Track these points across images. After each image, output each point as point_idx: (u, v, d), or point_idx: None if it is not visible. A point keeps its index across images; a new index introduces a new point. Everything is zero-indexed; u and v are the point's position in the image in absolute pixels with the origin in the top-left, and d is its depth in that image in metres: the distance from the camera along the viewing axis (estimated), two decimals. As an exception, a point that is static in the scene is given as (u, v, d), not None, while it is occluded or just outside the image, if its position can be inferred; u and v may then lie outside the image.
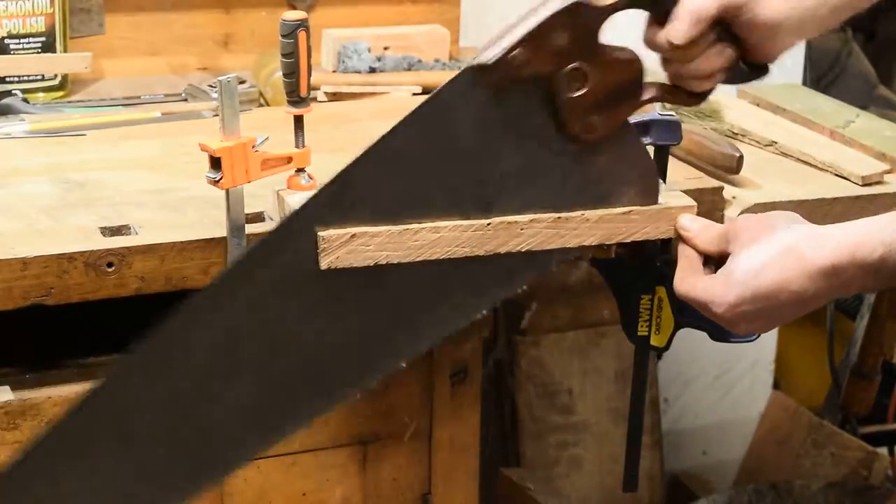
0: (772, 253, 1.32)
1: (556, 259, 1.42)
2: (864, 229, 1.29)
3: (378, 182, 1.34)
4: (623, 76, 1.37)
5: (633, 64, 1.37)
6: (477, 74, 1.34)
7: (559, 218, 1.40)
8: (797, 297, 1.31)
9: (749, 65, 1.41)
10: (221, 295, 1.31)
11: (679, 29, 1.35)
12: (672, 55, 1.38)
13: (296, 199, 1.45)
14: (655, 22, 1.38)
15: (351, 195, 1.33)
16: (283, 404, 1.36)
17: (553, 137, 1.37)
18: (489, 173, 1.37)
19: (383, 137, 1.33)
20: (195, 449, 1.34)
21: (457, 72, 1.35)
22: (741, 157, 1.70)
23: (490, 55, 1.33)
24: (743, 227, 1.37)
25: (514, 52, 1.33)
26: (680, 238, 1.42)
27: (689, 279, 1.39)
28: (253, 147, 1.43)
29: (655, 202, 1.42)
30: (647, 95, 1.39)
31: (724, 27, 1.37)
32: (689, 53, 1.37)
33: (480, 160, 1.37)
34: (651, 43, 1.38)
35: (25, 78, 1.96)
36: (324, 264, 1.35)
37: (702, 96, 1.42)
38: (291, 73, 1.45)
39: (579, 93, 1.35)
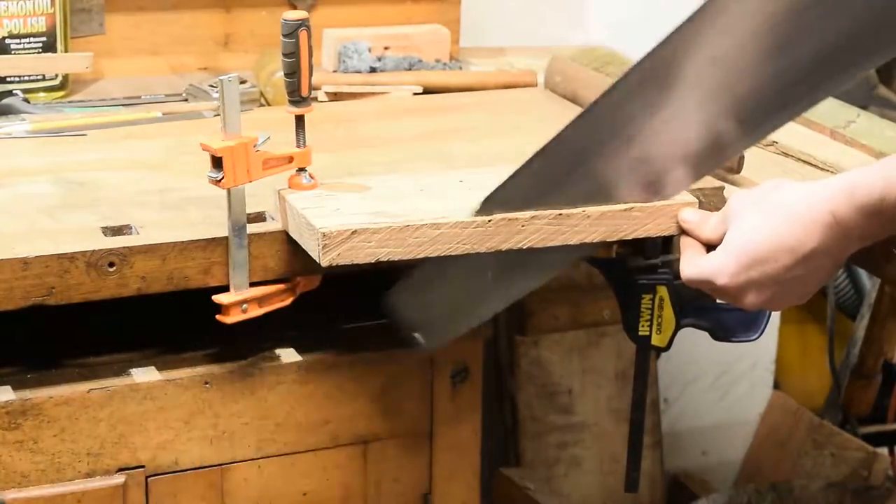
0: (764, 213, 1.32)
1: None
2: (860, 172, 1.28)
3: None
4: None
5: None
6: None
7: (560, 215, 1.41)
8: (797, 253, 1.29)
9: None
10: None
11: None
12: None
13: (297, 199, 1.45)
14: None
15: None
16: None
17: None
18: None
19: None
20: None
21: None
22: (742, 156, 1.69)
23: None
24: (737, 203, 1.37)
25: None
26: (682, 231, 1.43)
27: (693, 261, 1.39)
28: (254, 147, 1.43)
29: None
30: None
31: None
32: None
33: None
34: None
35: (26, 78, 1.96)
36: (324, 262, 1.35)
37: None
38: (292, 72, 1.45)
39: None
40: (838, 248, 1.30)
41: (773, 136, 1.86)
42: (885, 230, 1.29)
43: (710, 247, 1.41)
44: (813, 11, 1.33)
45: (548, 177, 1.41)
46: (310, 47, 1.45)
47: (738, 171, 1.69)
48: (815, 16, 1.33)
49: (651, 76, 1.37)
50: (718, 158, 1.48)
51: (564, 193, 1.42)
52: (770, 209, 1.32)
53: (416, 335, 1.57)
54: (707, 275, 1.36)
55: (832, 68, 1.36)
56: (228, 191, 1.43)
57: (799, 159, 1.82)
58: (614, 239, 1.44)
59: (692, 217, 1.43)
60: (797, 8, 1.33)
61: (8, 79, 1.94)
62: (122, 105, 1.92)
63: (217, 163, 1.41)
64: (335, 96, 1.99)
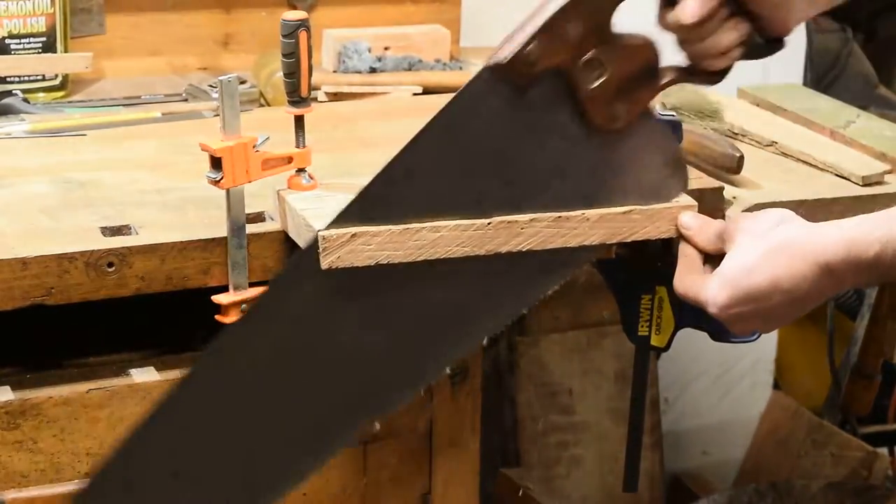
0: (763, 252, 1.32)
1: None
2: (860, 227, 1.29)
3: (403, 193, 1.35)
4: (639, 61, 1.36)
5: (647, 49, 1.36)
6: (494, 74, 1.33)
7: (559, 217, 1.41)
8: (790, 296, 1.31)
9: (766, 39, 1.40)
10: (258, 319, 1.34)
11: (688, 8, 1.34)
12: (685, 35, 1.37)
13: (296, 199, 1.45)
14: (667, 4, 1.37)
15: (375, 208, 1.34)
16: (330, 423, 1.38)
17: (577, 130, 1.37)
18: (516, 173, 1.37)
19: (406, 148, 1.34)
20: (245, 476, 1.36)
21: (474, 73, 1.34)
22: (741, 157, 1.70)
23: (505, 53, 1.33)
24: (738, 227, 1.37)
25: (528, 48, 1.33)
26: (680, 236, 1.43)
27: (688, 278, 1.39)
28: (254, 147, 1.43)
29: (685, 187, 1.42)
30: (665, 79, 1.38)
31: (736, 2, 1.36)
32: (702, 31, 1.36)
33: (506, 160, 1.37)
34: (664, 25, 1.37)
35: (26, 78, 1.96)
36: (324, 264, 1.35)
37: (721, 74, 1.41)
38: (292, 73, 1.45)
39: (598, 82, 1.35)
40: (831, 292, 1.32)
41: (774, 136, 1.86)
42: (879, 282, 1.32)
43: (706, 256, 1.41)
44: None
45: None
46: (309, 48, 1.45)
47: (738, 171, 1.69)
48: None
49: None
50: None
51: None
52: (769, 248, 1.32)
53: None
54: (700, 300, 1.37)
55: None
56: (228, 191, 1.43)
57: (799, 159, 1.82)
58: (613, 241, 1.44)
59: (691, 223, 1.43)
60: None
61: (8, 79, 1.95)
62: (122, 105, 1.92)
63: (216, 163, 1.41)
64: (335, 96, 1.99)
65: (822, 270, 1.29)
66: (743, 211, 1.64)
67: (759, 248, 1.33)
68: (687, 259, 1.41)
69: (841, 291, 1.36)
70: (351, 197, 1.44)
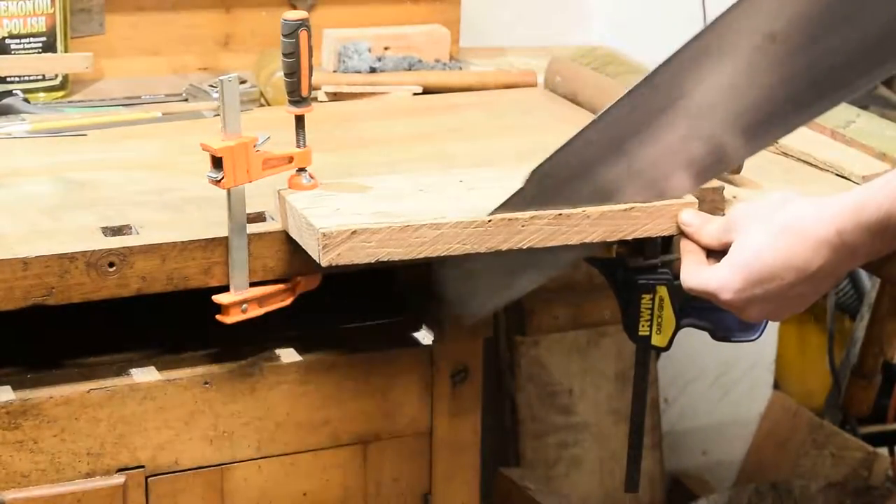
0: (771, 231, 1.32)
1: None
2: (865, 190, 1.29)
3: None
4: None
5: None
6: None
7: (560, 215, 1.41)
8: (803, 272, 1.30)
9: None
10: None
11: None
12: None
13: (297, 199, 1.45)
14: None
15: None
16: None
17: None
18: None
19: None
20: None
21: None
22: (741, 157, 1.69)
23: None
24: (741, 214, 1.37)
25: None
26: (682, 234, 1.43)
27: (695, 271, 1.39)
28: (254, 147, 1.43)
29: None
30: None
31: None
32: None
33: None
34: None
35: (26, 78, 1.96)
36: (325, 261, 1.35)
37: None
38: (292, 72, 1.45)
39: None
40: (843, 265, 1.31)
41: (773, 137, 1.86)
42: (890, 247, 1.30)
43: (709, 252, 1.41)
44: (820, 24, 1.34)
45: (555, 184, 1.42)
46: (310, 47, 1.45)
47: (738, 171, 1.69)
48: (822, 28, 1.34)
49: (659, 91, 1.38)
50: (722, 168, 1.49)
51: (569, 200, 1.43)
52: (777, 227, 1.32)
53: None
54: (711, 288, 1.36)
55: (840, 80, 1.37)
56: (228, 191, 1.43)
57: (799, 159, 1.82)
58: (614, 239, 1.44)
59: (692, 220, 1.43)
60: (804, 21, 1.34)
61: (8, 79, 1.95)
62: (122, 105, 1.92)
63: (217, 163, 1.41)
64: (335, 96, 1.99)
65: (834, 240, 1.28)
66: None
67: (768, 229, 1.32)
68: (691, 255, 1.41)
69: (853, 265, 1.33)
70: (351, 197, 1.45)
